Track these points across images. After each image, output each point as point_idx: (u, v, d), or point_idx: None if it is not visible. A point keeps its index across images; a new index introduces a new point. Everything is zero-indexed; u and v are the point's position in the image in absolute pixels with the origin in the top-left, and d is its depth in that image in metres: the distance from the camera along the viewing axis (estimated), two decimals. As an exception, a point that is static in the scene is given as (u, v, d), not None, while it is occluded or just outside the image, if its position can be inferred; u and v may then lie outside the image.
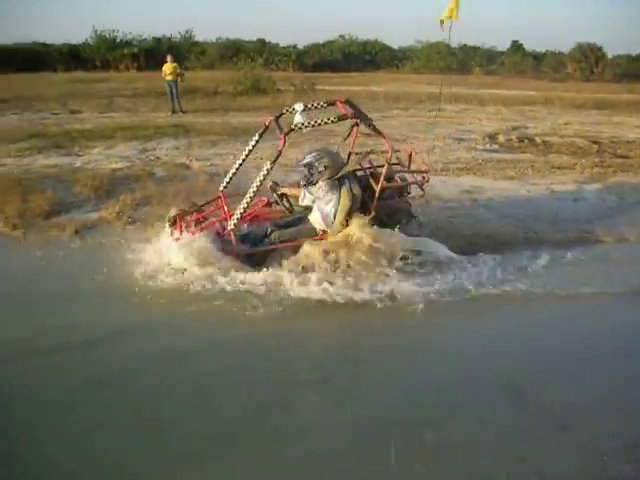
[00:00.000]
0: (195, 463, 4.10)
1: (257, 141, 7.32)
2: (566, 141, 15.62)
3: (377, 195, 6.88)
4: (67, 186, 10.18)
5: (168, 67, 19.32)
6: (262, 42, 47.73)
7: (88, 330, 5.75)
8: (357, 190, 6.82)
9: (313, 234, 6.97)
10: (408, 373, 5.30)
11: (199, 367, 5.23)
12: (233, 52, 40.74)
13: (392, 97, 23.82)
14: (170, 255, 6.81)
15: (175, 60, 19.99)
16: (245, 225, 7.42)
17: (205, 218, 7.34)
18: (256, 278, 6.52)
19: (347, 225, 6.79)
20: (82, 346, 5.46)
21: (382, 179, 6.85)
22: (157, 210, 8.32)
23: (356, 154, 7.88)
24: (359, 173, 7.47)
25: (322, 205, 6.84)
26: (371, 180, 7.11)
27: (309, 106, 6.95)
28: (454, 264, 7.11)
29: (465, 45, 48.39)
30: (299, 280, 6.45)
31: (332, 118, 6.79)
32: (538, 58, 48.68)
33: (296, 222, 7.22)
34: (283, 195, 7.17)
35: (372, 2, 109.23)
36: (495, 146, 14.94)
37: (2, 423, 4.54)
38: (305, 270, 6.61)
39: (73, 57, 39.58)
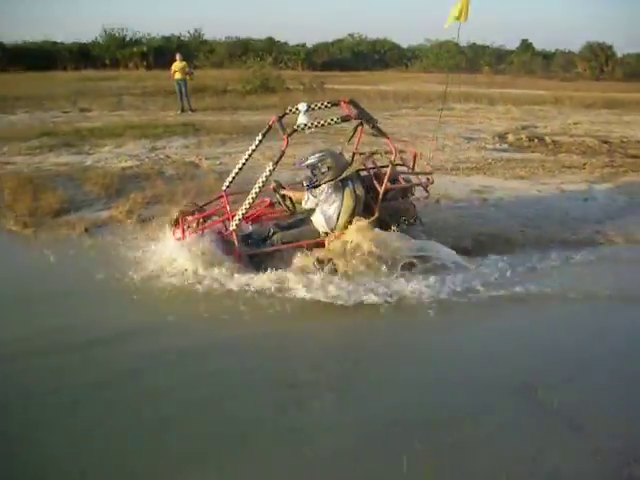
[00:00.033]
0: (200, 464, 4.10)
1: (260, 141, 7.32)
2: (576, 140, 15.56)
3: (380, 196, 6.85)
4: (77, 184, 10.22)
5: (177, 66, 19.34)
6: (271, 41, 47.53)
7: (90, 330, 5.78)
8: (360, 191, 6.79)
9: (316, 236, 6.95)
10: (421, 373, 5.27)
11: (200, 367, 5.23)
12: (242, 51, 40.70)
13: (401, 96, 23.78)
14: (171, 255, 6.82)
15: (184, 59, 20.01)
16: (250, 226, 7.44)
17: (207, 218, 7.33)
18: (260, 279, 6.52)
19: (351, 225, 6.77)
20: (82, 346, 5.48)
21: (386, 180, 6.82)
22: (167, 209, 8.29)
23: (360, 154, 7.83)
24: (363, 174, 7.43)
25: (325, 207, 6.81)
26: (374, 181, 7.08)
27: (312, 106, 6.93)
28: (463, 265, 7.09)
29: (474, 44, 48.25)
30: (304, 282, 6.43)
31: (336, 118, 6.75)
32: (548, 57, 48.45)
33: (299, 223, 7.20)
34: (286, 196, 7.13)
35: (381, 1, 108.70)
36: (505, 145, 14.92)
37: (14, 420, 4.55)
38: (320, 268, 6.61)
39: (83, 56, 39.55)
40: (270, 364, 5.34)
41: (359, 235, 6.63)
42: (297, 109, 6.92)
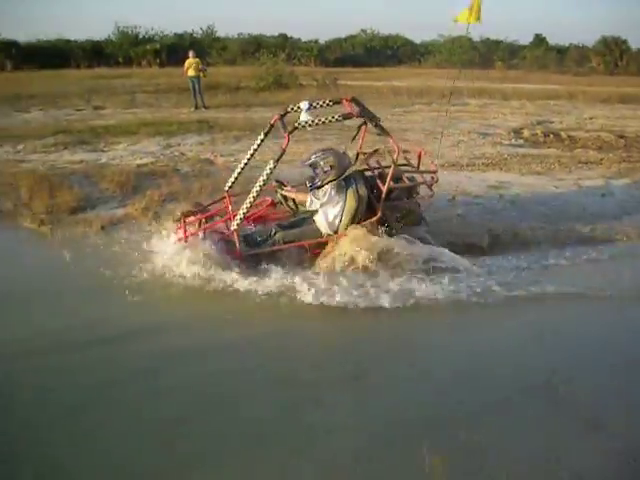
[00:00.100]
0: (207, 464, 4.11)
1: (262, 140, 7.27)
2: (592, 136, 15.45)
3: (384, 196, 6.80)
4: (93, 182, 10.22)
5: (190, 63, 19.34)
6: (284, 37, 47.59)
7: (94, 329, 5.79)
8: (363, 191, 6.75)
9: (318, 235, 6.92)
10: (440, 373, 5.26)
11: (204, 367, 5.22)
12: (255, 47, 40.63)
13: (414, 92, 23.68)
14: (173, 256, 6.79)
15: (197, 56, 19.99)
16: (252, 226, 7.43)
17: (210, 218, 7.31)
18: (262, 279, 6.48)
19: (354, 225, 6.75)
20: (83, 345, 5.49)
21: (389, 179, 6.77)
22: (183, 206, 8.27)
23: (364, 154, 7.79)
24: (368, 174, 7.39)
25: (328, 209, 6.78)
26: (378, 181, 7.04)
27: (314, 105, 6.88)
28: (479, 263, 7.06)
29: (488, 39, 48.09)
30: (309, 283, 6.37)
31: (337, 116, 6.70)
32: (561, 52, 48.15)
33: (301, 223, 7.17)
34: (288, 197, 7.10)
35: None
36: (520, 141, 14.84)
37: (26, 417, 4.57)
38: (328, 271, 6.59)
39: (96, 53, 39.67)
40: (274, 364, 5.34)
41: (367, 238, 6.62)
42: (299, 107, 6.87)
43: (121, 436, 4.34)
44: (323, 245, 6.89)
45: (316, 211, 6.91)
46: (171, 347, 5.49)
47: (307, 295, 6.18)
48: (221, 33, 47.63)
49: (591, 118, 18.75)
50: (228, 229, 6.95)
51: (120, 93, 22.87)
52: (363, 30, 52.84)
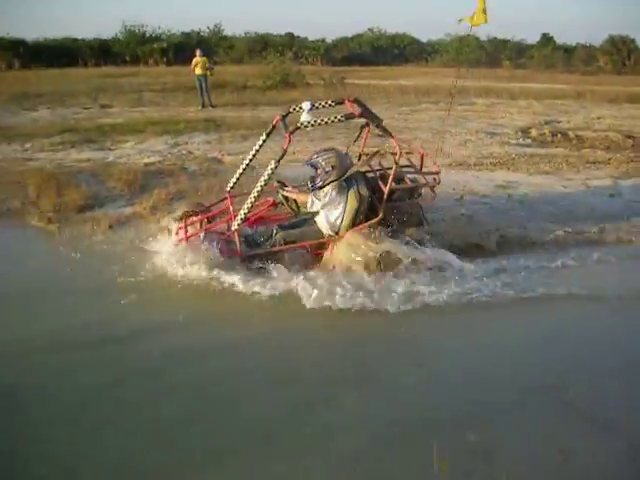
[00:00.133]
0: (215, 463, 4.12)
1: (264, 140, 7.25)
2: (599, 135, 15.40)
3: (385, 197, 6.76)
4: (101, 180, 10.24)
5: (197, 61, 19.33)
6: (290, 36, 47.56)
7: (94, 329, 5.79)
8: (364, 191, 6.71)
9: (319, 236, 6.90)
10: (448, 374, 5.25)
11: (201, 367, 5.21)
12: (262, 46, 40.66)
13: (422, 91, 23.64)
14: (174, 257, 6.79)
15: (204, 54, 19.98)
16: (254, 228, 7.41)
17: (211, 218, 7.30)
18: (263, 280, 6.46)
19: (354, 226, 6.72)
20: (85, 344, 5.50)
21: (390, 180, 6.74)
22: (185, 206, 8.25)
23: (366, 155, 7.74)
24: (370, 175, 7.35)
25: (330, 210, 6.75)
26: (380, 182, 7.01)
27: (316, 105, 6.85)
28: (486, 265, 7.02)
29: (495, 38, 48.04)
30: (311, 285, 6.31)
31: (339, 117, 6.67)
32: (569, 51, 47.97)
33: (302, 224, 7.16)
34: (289, 198, 7.05)
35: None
36: (528, 140, 14.80)
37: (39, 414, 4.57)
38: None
39: (103, 52, 39.65)
40: (289, 366, 5.30)
41: (358, 248, 6.60)
42: (301, 108, 6.85)
43: (123, 435, 4.35)
44: (324, 246, 6.88)
45: (317, 212, 6.88)
46: (170, 348, 5.46)
47: (309, 297, 6.12)
48: (228, 32, 47.60)
49: (599, 118, 18.67)
50: (229, 230, 6.93)
51: (127, 92, 22.86)
52: (370, 29, 52.86)
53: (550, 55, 45.79)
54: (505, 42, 49.33)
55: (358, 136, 7.59)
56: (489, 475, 4.01)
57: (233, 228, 6.71)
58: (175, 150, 12.88)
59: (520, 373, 5.18)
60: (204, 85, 19.52)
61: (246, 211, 6.69)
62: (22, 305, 6.23)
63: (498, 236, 7.75)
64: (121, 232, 8.12)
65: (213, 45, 42.33)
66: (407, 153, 7.63)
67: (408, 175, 7.32)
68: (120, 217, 8.63)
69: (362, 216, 6.76)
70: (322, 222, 6.84)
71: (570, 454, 4.16)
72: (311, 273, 6.56)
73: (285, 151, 6.59)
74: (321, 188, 6.73)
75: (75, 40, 42.17)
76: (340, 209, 6.70)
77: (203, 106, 19.42)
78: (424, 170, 7.50)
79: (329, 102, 6.97)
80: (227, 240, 6.91)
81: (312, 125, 6.63)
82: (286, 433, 4.40)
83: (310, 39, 48.22)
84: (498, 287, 6.49)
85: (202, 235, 6.82)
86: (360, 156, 7.80)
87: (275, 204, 7.21)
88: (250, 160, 7.41)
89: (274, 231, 7.02)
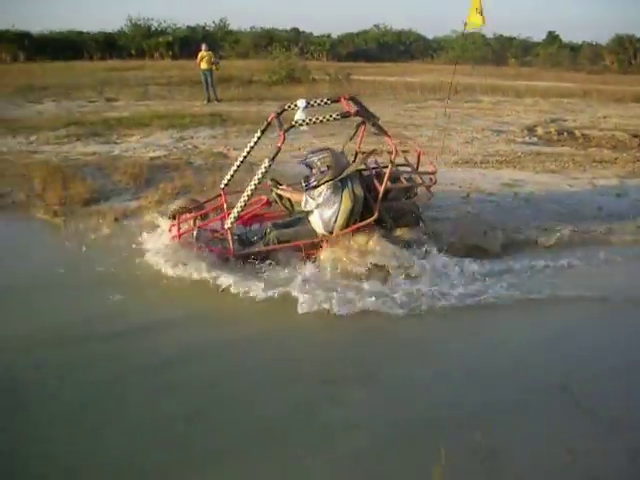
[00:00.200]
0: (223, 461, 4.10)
1: (259, 137, 7.21)
2: (606, 135, 15.38)
3: (380, 196, 6.71)
4: (106, 174, 10.24)
5: (203, 56, 19.32)
6: (296, 31, 47.47)
7: (89, 325, 5.76)
8: (359, 191, 6.65)
9: (313, 236, 6.84)
10: (454, 374, 5.21)
11: (198, 367, 5.18)
12: (267, 41, 40.54)
13: (427, 88, 23.60)
14: (166, 254, 6.71)
15: (210, 49, 19.99)
16: (248, 227, 7.38)
17: (205, 215, 7.26)
18: (256, 280, 6.39)
19: (349, 226, 6.67)
20: (85, 341, 5.48)
21: (386, 180, 6.69)
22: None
23: (362, 153, 7.65)
24: (365, 173, 7.32)
25: (324, 210, 6.68)
26: (375, 181, 6.95)
27: (312, 103, 6.81)
28: (491, 265, 6.98)
29: (501, 36, 47.92)
30: (306, 287, 6.23)
31: (335, 115, 6.63)
32: (575, 49, 47.79)
33: (296, 223, 7.12)
34: (283, 196, 6.98)
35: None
36: (534, 139, 14.78)
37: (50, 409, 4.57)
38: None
39: (108, 45, 39.63)
40: (289, 366, 5.25)
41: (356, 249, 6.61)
42: (296, 105, 6.81)
43: (125, 434, 4.34)
44: (318, 245, 6.83)
45: (311, 211, 6.82)
46: (159, 348, 5.42)
47: (304, 300, 6.02)
48: (233, 26, 47.51)
49: (605, 117, 18.63)
50: (223, 227, 6.89)
51: (133, 85, 22.88)
52: (376, 25, 52.70)
53: (556, 53, 45.58)
54: (511, 40, 49.17)
55: (354, 134, 7.56)
56: (495, 475, 4.00)
57: (226, 226, 6.66)
58: (181, 144, 12.87)
59: (526, 374, 5.17)
60: (210, 79, 19.50)
61: (239, 209, 6.62)
62: (23, 299, 6.24)
63: (504, 238, 7.71)
64: (126, 226, 8.07)
65: (219, 39, 42.24)
66: (404, 151, 7.58)
67: (404, 175, 7.27)
68: (126, 211, 8.61)
69: (357, 216, 6.71)
70: (316, 221, 6.78)
71: (578, 454, 4.15)
72: (306, 274, 6.47)
73: (279, 149, 6.55)
74: (315, 187, 6.68)
75: (80, 33, 42.15)
76: (334, 209, 6.63)
77: (209, 100, 19.42)
78: (422, 169, 7.46)
79: (325, 100, 6.94)
80: (220, 238, 6.89)
81: (307, 123, 6.59)
82: (287, 432, 4.40)
83: (315, 34, 48.13)
84: (503, 288, 6.44)
85: (195, 232, 6.79)
86: (356, 154, 7.74)
87: (269, 203, 7.11)
88: (244, 157, 7.36)
89: (267, 230, 7.01)
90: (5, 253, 7.47)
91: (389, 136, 6.82)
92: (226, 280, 6.31)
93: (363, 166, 7.26)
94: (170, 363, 5.18)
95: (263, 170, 6.57)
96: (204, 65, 19.35)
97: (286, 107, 7.05)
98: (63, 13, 76.69)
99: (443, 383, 5.04)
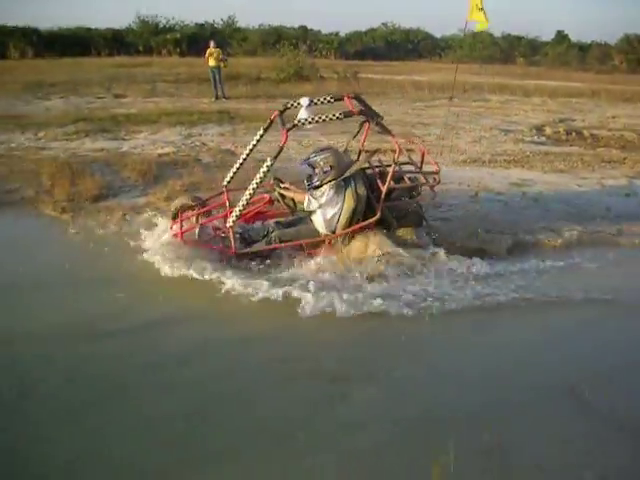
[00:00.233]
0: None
1: (262, 135, 7.18)
2: (614, 135, 15.36)
3: (383, 196, 6.67)
4: (115, 170, 10.26)
5: (211, 53, 19.34)
6: (304, 29, 47.43)
7: (92, 323, 5.74)
8: (362, 190, 6.62)
9: (315, 235, 6.81)
10: (464, 374, 5.20)
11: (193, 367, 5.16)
12: (275, 39, 40.51)
13: (436, 87, 23.57)
14: (167, 252, 6.69)
15: (218, 46, 20.00)
16: (252, 222, 7.37)
17: (207, 213, 7.25)
18: (258, 279, 6.34)
19: (351, 225, 6.65)
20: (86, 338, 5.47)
21: (389, 179, 6.64)
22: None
23: (366, 152, 7.62)
24: (369, 172, 7.28)
25: (327, 210, 6.64)
26: (378, 180, 6.90)
27: (315, 101, 6.77)
28: (499, 266, 6.93)
29: (509, 35, 47.84)
30: (311, 287, 6.18)
31: (338, 114, 6.58)
32: (583, 49, 47.66)
33: (299, 222, 7.10)
34: (286, 196, 6.90)
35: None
36: (542, 138, 14.76)
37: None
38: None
39: (116, 42, 39.69)
40: (288, 366, 5.22)
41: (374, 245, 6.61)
42: (299, 104, 6.79)
43: (128, 433, 4.33)
44: (320, 245, 6.80)
45: (314, 211, 6.78)
46: (158, 348, 5.39)
47: (307, 301, 5.96)
48: (242, 24, 47.54)
49: (614, 117, 18.59)
50: (225, 225, 6.86)
51: (140, 82, 22.86)
52: (384, 23, 52.68)
53: (564, 53, 45.46)
54: (519, 39, 49.04)
55: (358, 132, 7.56)
56: (504, 475, 4.00)
57: (228, 225, 6.63)
58: (189, 141, 12.88)
59: (533, 375, 5.17)
60: (218, 77, 19.52)
61: (241, 208, 6.60)
62: (26, 296, 6.24)
63: (511, 235, 7.71)
64: (134, 223, 8.04)
65: (227, 37, 42.26)
66: (408, 150, 7.55)
67: (407, 174, 7.23)
68: (134, 207, 8.61)
69: (359, 215, 6.68)
70: (319, 221, 6.75)
71: (587, 455, 4.14)
72: (310, 274, 6.46)
73: (282, 148, 6.50)
74: (318, 187, 6.67)
75: (89, 29, 42.19)
76: (337, 208, 6.60)
77: (217, 98, 19.43)
78: (427, 167, 7.44)
79: (328, 98, 6.90)
80: (222, 236, 6.88)
81: (309, 122, 6.56)
82: (290, 431, 4.38)
83: (323, 32, 48.10)
84: (511, 289, 6.39)
85: (197, 230, 6.77)
86: (360, 152, 7.72)
87: (271, 201, 7.07)
88: (247, 155, 7.32)
89: (269, 228, 6.99)
90: (12, 249, 7.50)
91: (392, 135, 6.77)
92: (227, 279, 6.27)
93: (367, 165, 7.26)
94: (169, 362, 5.18)
95: (265, 169, 6.53)
96: (212, 62, 19.37)
97: (289, 105, 7.04)
98: (71, 10, 76.73)
99: (449, 383, 5.03)
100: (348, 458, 4.11)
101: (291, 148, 11.73)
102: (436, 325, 5.80)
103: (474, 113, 17.89)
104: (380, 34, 50.18)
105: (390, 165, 6.88)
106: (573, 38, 50.27)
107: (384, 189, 6.64)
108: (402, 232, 6.88)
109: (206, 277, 6.33)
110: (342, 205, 6.58)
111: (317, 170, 6.63)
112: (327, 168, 6.55)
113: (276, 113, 6.90)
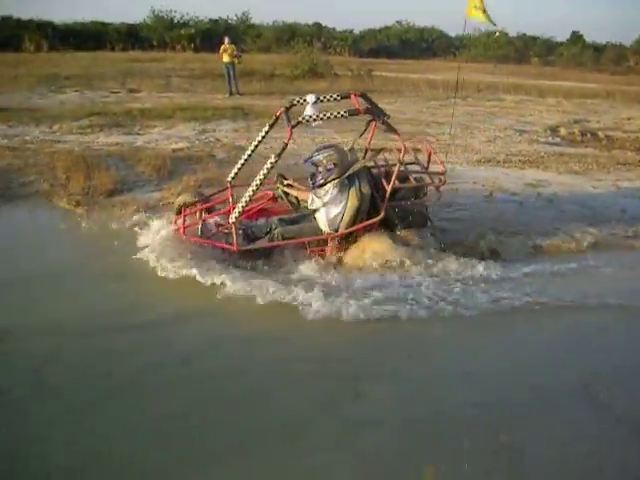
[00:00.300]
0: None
1: (267, 132, 7.17)
2: (630, 137, 15.29)
3: (387, 196, 6.65)
4: (129, 165, 10.28)
5: (225, 49, 19.39)
6: (318, 26, 47.38)
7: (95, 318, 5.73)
8: (366, 189, 6.59)
9: (318, 233, 6.78)
10: (472, 377, 5.17)
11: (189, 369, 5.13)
12: (289, 35, 40.53)
13: (450, 85, 23.47)
14: (168, 248, 6.66)
15: (232, 42, 20.05)
16: (255, 219, 7.34)
17: (210, 209, 7.23)
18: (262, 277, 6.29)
19: (355, 224, 6.63)
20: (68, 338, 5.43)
21: (394, 179, 6.62)
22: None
23: (372, 151, 7.58)
24: (374, 171, 7.24)
25: (330, 208, 6.62)
26: (383, 180, 6.88)
27: (321, 98, 6.76)
28: (513, 269, 6.87)
29: (524, 35, 47.69)
30: (315, 288, 6.11)
31: (343, 112, 6.53)
32: (598, 50, 47.46)
33: (302, 219, 7.06)
34: (290, 194, 6.88)
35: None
36: (557, 139, 14.69)
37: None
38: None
39: (130, 37, 39.78)
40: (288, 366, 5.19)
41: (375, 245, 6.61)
42: (305, 100, 6.76)
43: (130, 433, 4.32)
44: (323, 243, 6.79)
45: (318, 209, 6.76)
46: (159, 346, 5.38)
47: (310, 302, 5.89)
48: (256, 20, 47.58)
49: (629, 118, 18.50)
50: (228, 221, 6.82)
51: (155, 77, 22.91)
52: (398, 21, 52.65)
53: (579, 53, 45.33)
54: (534, 39, 48.95)
55: (364, 130, 7.50)
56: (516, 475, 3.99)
57: (231, 221, 6.59)
58: (203, 137, 12.90)
59: (545, 376, 5.15)
60: (232, 73, 19.54)
61: (244, 204, 6.57)
62: (33, 289, 6.25)
63: (524, 237, 7.70)
64: (148, 218, 7.99)
65: (241, 33, 42.25)
66: (414, 150, 7.50)
67: (413, 175, 7.17)
68: (149, 202, 8.62)
69: (363, 214, 6.66)
70: (322, 219, 6.73)
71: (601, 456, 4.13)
72: (313, 274, 6.44)
73: (286, 145, 6.47)
74: (322, 186, 6.66)
75: (103, 24, 42.31)
76: (341, 207, 6.60)
77: (231, 94, 19.46)
78: (433, 167, 7.40)
79: (334, 96, 6.90)
80: (225, 232, 6.86)
81: (314, 120, 6.54)
82: (298, 430, 4.39)
83: (338, 30, 48.07)
84: (525, 293, 6.32)
85: (200, 226, 6.77)
86: (366, 151, 7.68)
87: (274, 198, 7.08)
88: (252, 151, 7.33)
89: (272, 225, 6.97)
90: (26, 241, 7.55)
91: (398, 134, 6.73)
92: (229, 279, 6.20)
93: (372, 163, 7.23)
94: (166, 362, 5.15)
95: (269, 165, 6.51)
96: (226, 58, 19.41)
97: (295, 102, 6.98)
98: (86, 3, 76.89)
99: (461, 384, 5.02)
100: (357, 459, 4.11)
101: (303, 145, 11.73)
102: (447, 327, 5.79)
103: (488, 113, 17.85)
104: (394, 32, 50.13)
105: (396, 164, 6.85)
106: (588, 39, 50.15)
107: (389, 189, 6.63)
108: (405, 232, 6.85)
109: (205, 276, 6.24)
110: (346, 204, 6.58)
111: (320, 168, 6.63)
112: (330, 166, 6.54)
113: (282, 110, 6.84)
